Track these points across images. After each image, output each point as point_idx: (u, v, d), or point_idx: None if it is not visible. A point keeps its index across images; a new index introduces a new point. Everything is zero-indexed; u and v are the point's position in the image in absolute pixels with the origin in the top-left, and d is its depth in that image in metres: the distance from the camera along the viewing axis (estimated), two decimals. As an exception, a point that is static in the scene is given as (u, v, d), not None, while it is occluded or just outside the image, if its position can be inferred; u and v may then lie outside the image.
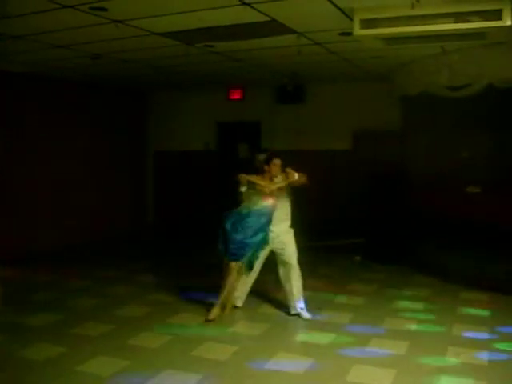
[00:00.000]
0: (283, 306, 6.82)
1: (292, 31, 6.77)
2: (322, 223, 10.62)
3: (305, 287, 6.64)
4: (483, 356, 5.34)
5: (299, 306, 6.51)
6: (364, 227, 9.52)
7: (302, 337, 6.10)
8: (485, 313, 6.76)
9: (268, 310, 6.93)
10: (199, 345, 5.65)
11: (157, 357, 5.37)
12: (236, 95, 12.21)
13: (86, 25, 6.40)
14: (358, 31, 5.84)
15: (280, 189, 6.47)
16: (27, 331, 6.10)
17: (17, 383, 4.78)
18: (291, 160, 11.76)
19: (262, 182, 6.40)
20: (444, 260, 8.73)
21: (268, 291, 7.47)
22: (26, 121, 9.98)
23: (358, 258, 9.59)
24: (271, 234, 6.49)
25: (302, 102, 11.60)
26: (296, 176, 6.35)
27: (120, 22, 6.31)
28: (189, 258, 9.89)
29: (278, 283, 6.82)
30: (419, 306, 7.07)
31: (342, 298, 7.31)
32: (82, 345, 5.67)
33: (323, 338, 5.89)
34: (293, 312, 6.55)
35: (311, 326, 6.32)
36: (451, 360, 5.27)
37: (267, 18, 6.17)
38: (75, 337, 5.92)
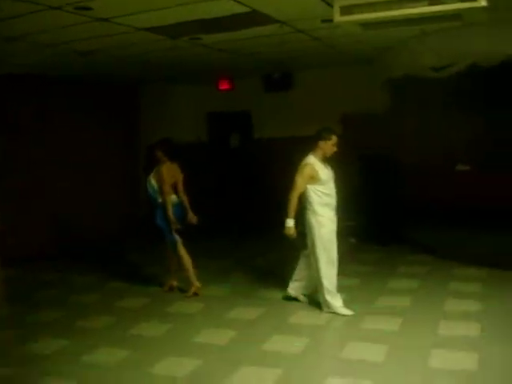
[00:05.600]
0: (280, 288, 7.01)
1: (274, 21, 6.89)
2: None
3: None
4: (475, 329, 5.50)
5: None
6: (356, 210, 9.66)
7: (297, 318, 6.24)
8: (476, 287, 6.92)
9: (266, 294, 7.11)
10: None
11: (158, 345, 5.55)
12: (225, 85, 12.27)
13: (72, 24, 6.48)
14: (338, 18, 5.94)
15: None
16: (34, 326, 6.28)
17: (27, 376, 4.93)
18: (283, 147, 11.98)
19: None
20: (436, 238, 8.89)
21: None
22: (20, 121, 10.06)
23: (353, 240, 9.75)
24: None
25: (289, 89, 11.70)
26: None
27: (105, 20, 6.41)
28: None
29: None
30: (413, 283, 7.24)
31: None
32: (87, 337, 5.85)
33: (319, 319, 6.07)
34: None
35: (309, 307, 6.48)
36: (443, 334, 5.44)
37: (248, 9, 6.28)
38: (79, 329, 6.10)
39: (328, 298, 6.16)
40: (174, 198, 7.19)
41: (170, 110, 12.95)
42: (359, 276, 7.69)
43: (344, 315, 6.09)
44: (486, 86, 9.41)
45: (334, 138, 6.16)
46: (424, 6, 5.59)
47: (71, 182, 10.91)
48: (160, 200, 7.13)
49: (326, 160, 6.26)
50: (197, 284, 7.17)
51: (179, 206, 7.27)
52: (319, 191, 6.10)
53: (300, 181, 6.09)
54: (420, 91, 9.85)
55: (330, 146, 6.14)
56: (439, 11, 5.73)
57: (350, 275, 7.54)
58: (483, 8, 5.54)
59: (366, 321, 5.92)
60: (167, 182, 7.10)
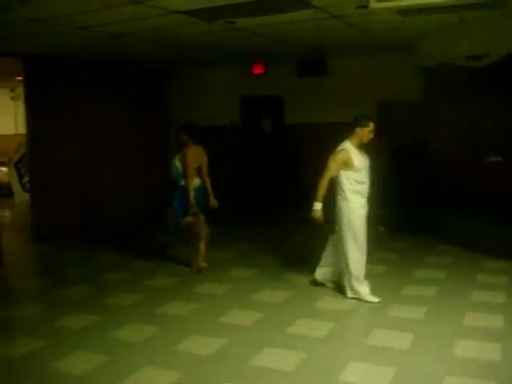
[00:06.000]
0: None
1: (310, 5, 6.86)
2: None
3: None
4: (499, 321, 5.50)
5: None
6: (388, 198, 9.62)
7: (323, 303, 6.28)
8: (504, 280, 6.88)
9: (292, 277, 7.17)
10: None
11: (184, 323, 5.65)
12: (259, 70, 12.27)
13: (105, 6, 6.56)
14: (374, 4, 5.91)
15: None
16: (63, 302, 6.46)
17: (56, 349, 5.08)
18: (315, 133, 11.96)
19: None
20: (466, 229, 8.81)
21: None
22: (53, 100, 10.23)
23: (381, 228, 9.72)
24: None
25: (323, 74, 11.63)
26: None
27: (140, 2, 6.46)
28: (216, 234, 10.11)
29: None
30: (440, 273, 7.21)
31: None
32: (114, 313, 6.00)
33: (345, 305, 6.10)
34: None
35: (335, 293, 6.51)
36: (468, 325, 5.44)
37: (284, -6, 6.28)
38: (108, 306, 6.25)
39: (355, 283, 6.19)
40: (196, 181, 7.26)
41: (203, 93, 13.02)
42: (386, 264, 7.69)
43: (370, 302, 6.11)
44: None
45: (372, 125, 6.10)
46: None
47: (102, 165, 11.11)
48: (182, 183, 7.21)
49: (363, 147, 6.21)
50: (203, 264, 7.48)
51: (201, 189, 7.33)
52: (352, 178, 6.06)
53: (333, 165, 6.07)
54: (455, 80, 9.71)
55: (366, 132, 6.08)
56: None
57: (377, 262, 7.53)
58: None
59: (392, 309, 5.94)
60: (191, 166, 7.16)
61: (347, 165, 6.05)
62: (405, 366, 4.56)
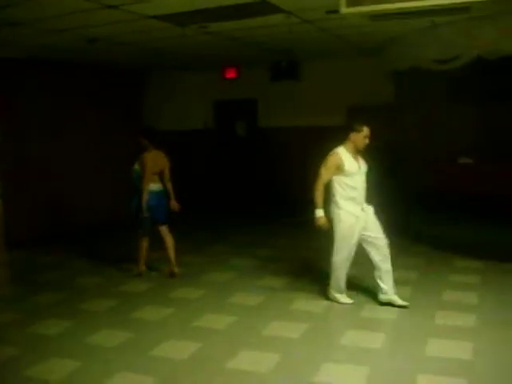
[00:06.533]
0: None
1: (281, 10, 6.93)
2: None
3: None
4: (470, 319, 5.59)
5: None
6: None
7: (298, 305, 6.30)
8: (476, 279, 6.99)
9: (267, 280, 7.20)
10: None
11: (159, 328, 5.65)
12: (231, 74, 12.34)
13: (81, 10, 6.56)
14: (345, 9, 5.97)
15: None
16: (37, 308, 6.40)
17: (30, 356, 5.03)
18: (288, 136, 12.05)
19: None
20: (438, 230, 8.94)
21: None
22: (24, 105, 10.14)
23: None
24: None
25: (296, 78, 11.73)
26: None
27: (114, 6, 6.47)
28: (188, 237, 10.12)
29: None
30: (413, 274, 7.30)
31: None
32: (89, 318, 5.97)
33: (319, 306, 6.16)
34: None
35: (309, 295, 6.54)
36: (439, 323, 5.53)
37: (258, -1, 6.35)
38: (82, 312, 6.21)
39: (332, 291, 6.24)
40: (155, 186, 7.27)
41: (177, 97, 13.04)
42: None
43: (343, 303, 6.18)
44: (489, 79, 9.44)
45: (366, 130, 5.93)
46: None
47: (75, 169, 11.02)
48: (141, 186, 7.23)
49: (358, 153, 6.04)
50: (142, 268, 7.56)
51: (158, 194, 7.32)
52: (344, 183, 5.91)
53: (324, 170, 5.94)
54: (424, 83, 9.85)
55: (361, 138, 5.92)
56: (447, 4, 5.77)
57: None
58: (491, 1, 5.59)
59: (366, 309, 6.02)
60: (150, 169, 7.16)
61: (339, 169, 5.91)
62: (378, 366, 4.62)
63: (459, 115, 9.97)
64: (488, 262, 7.64)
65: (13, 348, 5.20)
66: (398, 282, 6.69)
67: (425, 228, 9.23)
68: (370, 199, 6.16)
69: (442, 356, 4.77)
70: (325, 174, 5.94)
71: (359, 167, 5.99)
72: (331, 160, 5.94)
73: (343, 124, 11.32)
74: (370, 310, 5.99)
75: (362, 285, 6.65)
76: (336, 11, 6.21)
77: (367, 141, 5.96)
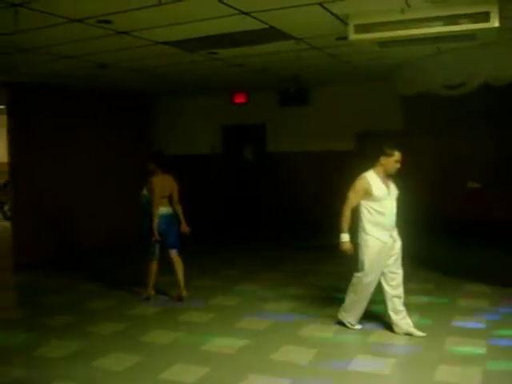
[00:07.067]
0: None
1: (290, 37, 7.02)
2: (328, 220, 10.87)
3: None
4: (480, 345, 5.56)
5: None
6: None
7: (307, 331, 6.30)
8: (485, 305, 6.97)
9: (274, 305, 7.19)
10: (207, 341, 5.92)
11: (168, 352, 5.64)
12: (240, 99, 12.44)
13: (92, 37, 6.68)
14: (353, 36, 6.07)
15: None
16: (45, 330, 6.40)
17: (37, 379, 5.04)
18: (296, 161, 12.10)
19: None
20: (446, 255, 8.92)
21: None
22: (36, 129, 10.28)
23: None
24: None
25: (305, 104, 11.82)
26: None
27: (125, 33, 6.57)
28: (198, 261, 10.13)
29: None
30: (422, 299, 7.30)
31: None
32: (97, 342, 5.97)
33: (328, 332, 6.13)
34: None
35: (319, 321, 6.53)
36: (449, 350, 5.50)
37: (266, 26, 6.43)
38: (90, 335, 6.21)
39: (343, 313, 6.21)
40: (164, 209, 7.32)
41: (186, 122, 13.15)
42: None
43: (352, 328, 6.14)
44: (497, 105, 9.50)
45: (397, 155, 5.75)
46: (439, 26, 5.70)
47: (84, 193, 11.13)
48: (150, 210, 7.27)
49: (389, 177, 5.90)
50: (151, 292, 7.58)
51: (167, 218, 7.38)
52: (372, 208, 5.78)
53: (352, 194, 5.80)
54: (433, 108, 9.91)
55: (392, 162, 5.75)
56: (453, 31, 5.86)
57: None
58: (496, 28, 5.66)
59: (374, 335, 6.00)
60: (158, 194, 7.22)
61: (367, 194, 5.77)
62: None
63: (469, 139, 10.02)
64: (496, 287, 7.62)
65: (20, 370, 5.20)
66: (407, 308, 6.68)
67: (431, 252, 9.21)
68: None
69: (450, 382, 4.73)
70: (353, 198, 5.81)
71: (388, 192, 5.84)
72: (359, 184, 5.81)
73: (351, 149, 11.46)
74: (379, 336, 5.96)
75: (370, 310, 6.63)
76: (345, 38, 6.30)
77: (398, 165, 5.80)
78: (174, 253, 7.51)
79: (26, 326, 6.69)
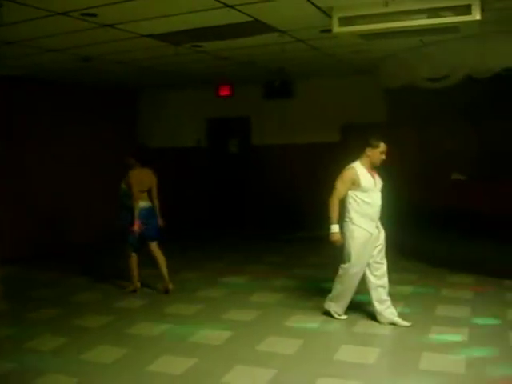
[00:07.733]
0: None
1: (275, 30, 7.05)
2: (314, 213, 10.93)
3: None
4: (464, 333, 5.65)
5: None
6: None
7: (292, 322, 6.35)
8: (468, 294, 7.07)
9: (261, 296, 7.25)
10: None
11: (155, 344, 5.67)
12: (225, 92, 12.42)
13: (77, 30, 6.66)
14: (337, 29, 6.12)
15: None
16: (32, 324, 6.40)
17: (25, 372, 5.04)
18: (281, 154, 12.14)
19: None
20: (430, 246, 9.01)
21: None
22: (18, 122, 10.23)
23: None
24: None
25: (289, 96, 11.84)
26: None
27: (110, 26, 6.56)
28: (183, 255, 10.16)
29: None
30: (407, 289, 7.39)
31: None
32: (84, 335, 5.98)
33: (313, 322, 6.20)
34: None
35: (304, 311, 6.58)
36: (433, 338, 5.57)
37: (250, 19, 6.45)
38: (77, 328, 6.21)
39: (329, 303, 6.25)
40: (141, 203, 7.33)
41: (170, 115, 13.13)
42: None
43: (338, 318, 6.21)
44: (480, 98, 9.57)
45: (383, 146, 5.83)
46: (422, 18, 5.76)
47: (70, 187, 11.10)
48: (128, 203, 7.30)
49: (374, 169, 5.97)
50: (137, 284, 7.60)
51: (146, 211, 7.39)
52: (359, 198, 5.82)
53: (339, 184, 5.85)
54: (417, 101, 9.98)
55: (377, 153, 5.83)
56: (436, 24, 5.92)
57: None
58: (478, 21, 5.73)
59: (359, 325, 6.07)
60: (136, 187, 7.24)
61: (355, 184, 5.82)
62: (372, 381, 4.66)
63: (453, 132, 10.10)
64: (479, 276, 7.73)
65: (8, 363, 5.19)
66: (392, 298, 6.76)
67: (415, 243, 9.30)
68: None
69: (435, 370, 4.81)
70: (341, 188, 5.85)
71: (375, 183, 5.91)
72: (347, 174, 5.86)
73: (337, 141, 11.51)
74: (364, 326, 6.03)
75: (355, 300, 6.70)
76: (329, 30, 6.34)
77: (383, 157, 5.87)
78: (154, 245, 7.53)
79: (12, 318, 6.68)
